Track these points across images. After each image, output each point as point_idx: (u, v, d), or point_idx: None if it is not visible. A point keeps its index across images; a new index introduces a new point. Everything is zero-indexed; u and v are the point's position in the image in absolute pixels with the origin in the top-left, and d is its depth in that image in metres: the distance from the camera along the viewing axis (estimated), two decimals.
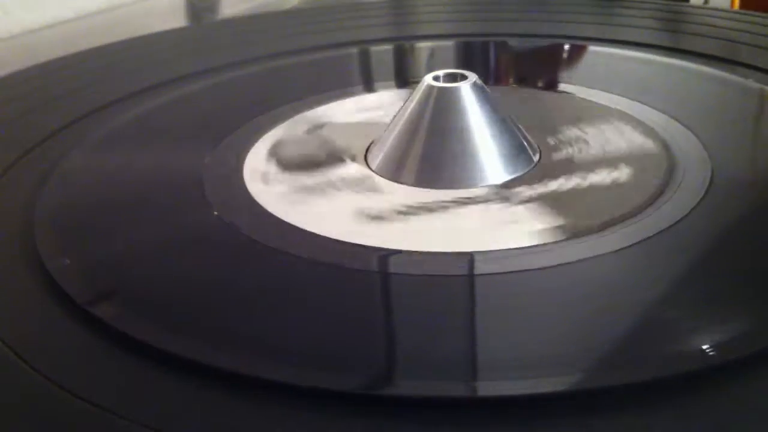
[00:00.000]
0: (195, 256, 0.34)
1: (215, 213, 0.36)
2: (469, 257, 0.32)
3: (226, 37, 0.71)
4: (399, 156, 0.40)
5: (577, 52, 0.61)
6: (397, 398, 0.25)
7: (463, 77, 0.41)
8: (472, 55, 0.64)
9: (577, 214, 0.35)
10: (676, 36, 0.65)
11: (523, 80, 0.58)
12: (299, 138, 0.46)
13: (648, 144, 0.42)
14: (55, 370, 0.26)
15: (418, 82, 0.42)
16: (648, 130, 0.44)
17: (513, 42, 0.64)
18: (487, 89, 0.41)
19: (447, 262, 0.32)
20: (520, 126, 0.42)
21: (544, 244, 0.33)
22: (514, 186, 0.38)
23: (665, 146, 0.41)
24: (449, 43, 0.65)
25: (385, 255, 0.33)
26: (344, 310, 0.29)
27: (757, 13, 0.67)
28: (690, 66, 0.54)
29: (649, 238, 0.33)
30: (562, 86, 0.55)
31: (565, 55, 0.62)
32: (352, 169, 0.41)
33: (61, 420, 0.24)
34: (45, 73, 0.59)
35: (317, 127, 0.47)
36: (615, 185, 0.38)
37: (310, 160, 0.42)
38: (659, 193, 0.36)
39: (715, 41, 0.60)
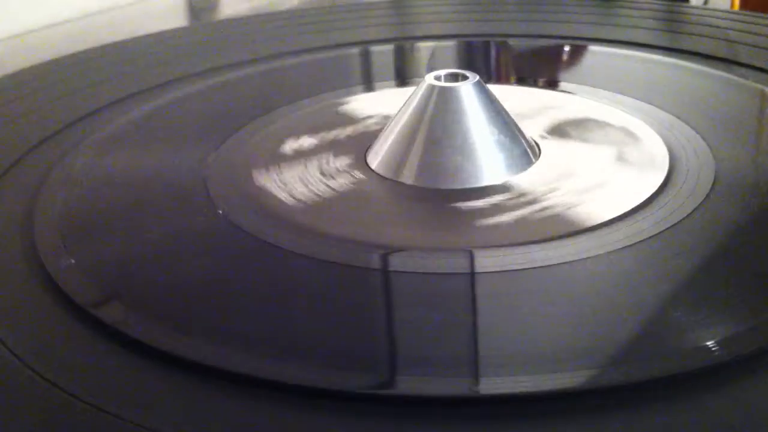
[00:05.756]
0: (197, 255, 0.34)
1: (220, 212, 0.36)
2: (469, 256, 0.32)
3: (226, 37, 0.71)
4: (399, 155, 0.40)
5: (578, 52, 0.61)
6: (398, 398, 0.25)
7: (464, 77, 0.41)
8: (473, 55, 0.64)
9: (578, 214, 0.35)
10: (676, 36, 0.65)
11: (523, 80, 0.58)
12: (300, 137, 0.46)
13: (649, 144, 0.42)
14: (55, 370, 0.26)
15: (418, 82, 0.42)
16: (649, 130, 0.44)
17: (514, 42, 0.64)
18: (488, 89, 0.41)
19: (446, 260, 0.32)
20: (520, 126, 0.42)
21: (545, 243, 0.33)
22: (514, 186, 0.38)
23: (666, 146, 0.41)
24: (450, 43, 0.65)
25: (385, 253, 0.33)
26: (345, 309, 0.29)
27: (757, 13, 0.67)
28: (690, 66, 0.54)
29: (651, 237, 0.32)
30: (562, 86, 0.55)
31: (565, 55, 0.62)
32: (352, 169, 0.41)
33: (61, 420, 0.24)
34: (45, 73, 0.59)
35: (318, 126, 0.47)
36: (616, 184, 0.38)
37: (311, 160, 0.42)
38: (661, 191, 0.36)
39: (715, 41, 0.60)
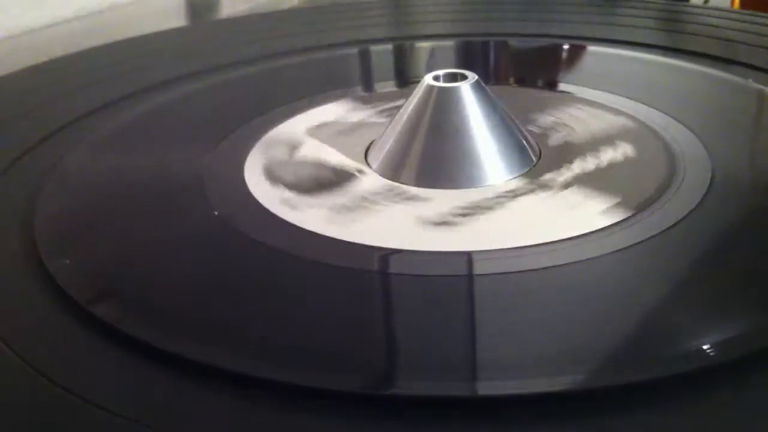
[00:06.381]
0: (195, 256, 0.34)
1: (216, 213, 0.36)
2: (468, 257, 0.32)
3: (226, 37, 0.71)
4: (399, 156, 0.40)
5: (577, 52, 0.61)
6: (398, 398, 0.25)
7: (463, 77, 0.41)
8: (472, 55, 0.64)
9: (577, 216, 0.35)
10: (676, 36, 0.65)
11: (523, 80, 0.58)
12: (299, 138, 0.46)
13: (648, 144, 0.42)
14: (55, 370, 0.26)
15: (418, 82, 0.42)
16: (648, 131, 0.44)
17: (513, 42, 0.64)
18: (487, 89, 0.41)
19: (446, 262, 0.32)
20: (520, 126, 0.42)
21: (544, 245, 0.33)
22: (514, 186, 0.38)
23: (665, 146, 0.41)
24: (449, 43, 0.65)
25: (384, 255, 0.33)
26: (342, 309, 0.29)
27: (757, 13, 0.67)
28: (690, 66, 0.54)
29: (649, 238, 0.32)
30: (562, 86, 0.55)
31: (565, 55, 0.62)
32: (351, 169, 0.41)
33: (61, 420, 0.24)
34: (45, 73, 0.59)
35: (317, 126, 0.47)
36: (615, 186, 0.38)
37: (310, 160, 0.42)
38: (660, 193, 0.36)
39: (715, 41, 0.60)
